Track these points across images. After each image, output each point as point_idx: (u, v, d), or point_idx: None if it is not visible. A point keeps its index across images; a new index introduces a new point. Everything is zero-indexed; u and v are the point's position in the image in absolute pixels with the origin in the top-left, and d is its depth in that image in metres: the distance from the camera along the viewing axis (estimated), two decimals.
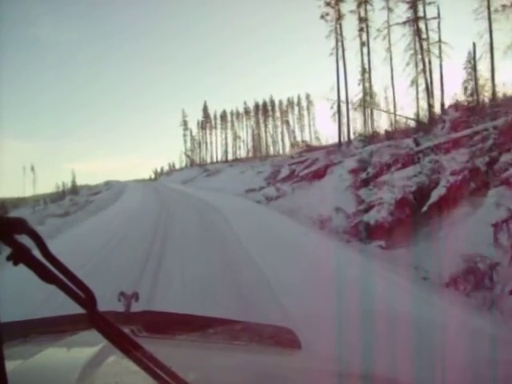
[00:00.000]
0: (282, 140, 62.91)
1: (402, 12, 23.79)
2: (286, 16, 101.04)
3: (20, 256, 0.65)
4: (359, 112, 27.98)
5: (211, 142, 67.71)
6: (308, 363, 1.37)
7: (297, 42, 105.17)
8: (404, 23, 23.47)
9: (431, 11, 22.81)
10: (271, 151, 61.08)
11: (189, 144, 68.58)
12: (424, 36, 22.72)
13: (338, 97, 25.37)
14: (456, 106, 14.45)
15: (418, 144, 11.76)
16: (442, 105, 20.19)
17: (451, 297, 5.51)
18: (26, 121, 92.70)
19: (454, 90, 30.12)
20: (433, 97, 21.69)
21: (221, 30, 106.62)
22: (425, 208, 8.49)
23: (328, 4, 25.46)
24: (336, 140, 26.30)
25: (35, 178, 59.00)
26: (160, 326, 1.46)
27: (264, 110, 64.08)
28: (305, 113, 63.19)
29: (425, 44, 22.66)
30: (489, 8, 20.22)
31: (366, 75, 25.82)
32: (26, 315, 1.51)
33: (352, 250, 8.40)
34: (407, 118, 20.40)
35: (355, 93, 26.56)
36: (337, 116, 25.82)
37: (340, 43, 25.55)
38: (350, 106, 25.98)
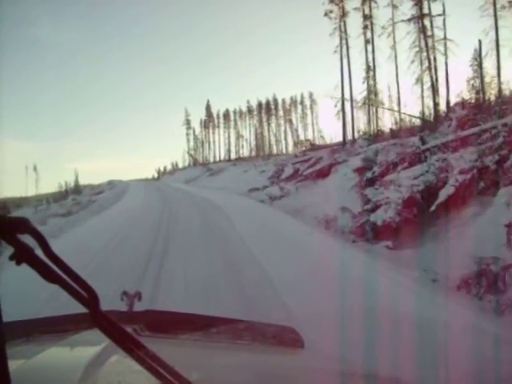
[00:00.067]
0: (285, 139, 62.84)
1: (407, 9, 23.63)
2: (288, 15, 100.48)
3: (23, 255, 0.65)
4: (363, 110, 27.76)
5: (214, 141, 67.64)
6: (311, 362, 1.38)
7: (299, 41, 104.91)
8: (409, 20, 23.26)
9: (436, 8, 22.61)
10: (274, 150, 60.90)
11: (192, 143, 68.49)
12: (429, 33, 22.48)
13: (342, 95, 25.25)
14: (463, 103, 14.23)
15: (424, 142, 11.56)
16: (448, 103, 19.98)
17: (463, 300, 5.35)
18: (30, 121, 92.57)
19: (459, 88, 29.88)
20: (438, 95, 21.48)
21: (223, 29, 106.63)
22: (433, 208, 8.32)
23: (332, 1, 25.36)
24: (340, 139, 26.17)
25: (38, 178, 58.93)
26: (163, 325, 1.47)
27: (267, 109, 63.87)
28: (308, 111, 63.02)
29: (430, 41, 22.43)
30: (495, 5, 20.02)
31: (371, 73, 25.62)
32: (29, 315, 1.51)
33: (358, 251, 8.25)
34: (412, 116, 20.21)
35: (359, 91, 26.49)
36: (341, 114, 25.69)
37: (344, 41, 25.49)
38: (354, 105, 25.84)
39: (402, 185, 9.41)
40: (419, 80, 22.88)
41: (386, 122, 26.40)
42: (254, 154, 60.23)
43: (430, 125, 16.44)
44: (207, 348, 1.37)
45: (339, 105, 25.83)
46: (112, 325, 0.78)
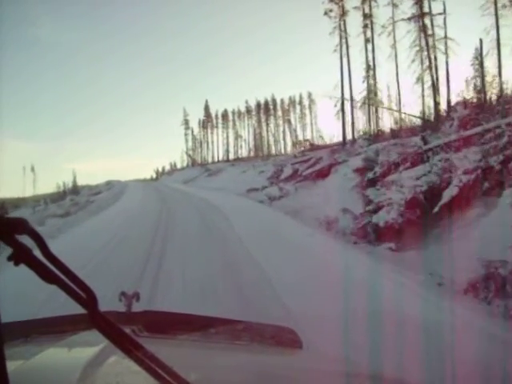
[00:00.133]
0: (284, 139, 62.66)
1: (407, 8, 23.47)
2: (287, 14, 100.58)
3: (21, 256, 0.65)
4: (363, 110, 27.60)
5: (213, 142, 67.50)
6: (309, 363, 1.37)
7: (298, 41, 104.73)
8: (409, 19, 23.08)
9: (437, 7, 22.48)
10: (273, 150, 60.80)
11: (190, 143, 68.35)
12: (430, 32, 22.34)
13: (342, 94, 25.06)
14: (464, 103, 14.08)
15: (426, 142, 11.41)
16: (449, 102, 19.80)
17: (470, 304, 5.19)
18: (28, 121, 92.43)
19: (460, 88, 29.72)
20: (439, 94, 21.32)
21: (222, 29, 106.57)
22: (436, 209, 8.15)
23: (332, 0, 25.17)
24: (339, 139, 26.01)
25: (35, 178, 58.75)
26: (161, 325, 1.46)
27: (266, 109, 63.75)
28: (307, 112, 62.94)
29: (430, 40, 22.26)
30: (495, 4, 19.89)
31: (371, 72, 25.45)
32: (27, 315, 1.51)
33: (360, 252, 8.10)
34: (413, 115, 20.03)
35: (359, 90, 26.34)
36: (340, 114, 25.51)
37: (344, 40, 25.30)
38: (354, 104, 25.67)
39: (404, 185, 9.25)
40: (419, 79, 22.77)
41: (386, 122, 26.25)
42: (252, 154, 60.12)
43: (430, 124, 16.29)
44: (206, 348, 1.36)
45: (339, 104, 25.67)
46: (110, 325, 0.77)
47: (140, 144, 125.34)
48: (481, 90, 16.66)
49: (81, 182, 48.59)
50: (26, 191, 55.42)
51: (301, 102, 63.28)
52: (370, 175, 11.48)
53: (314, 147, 26.41)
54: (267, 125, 63.83)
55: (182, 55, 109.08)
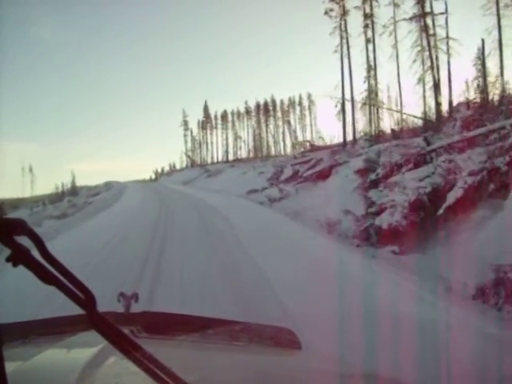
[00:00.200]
0: (284, 140, 62.55)
1: (409, 8, 23.31)
2: (286, 15, 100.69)
3: (19, 257, 0.65)
4: (363, 111, 27.42)
5: (212, 142, 67.42)
6: (308, 364, 1.36)
7: (298, 42, 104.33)
8: (411, 19, 22.90)
9: (438, 7, 22.29)
10: (272, 151, 60.69)
11: (189, 144, 68.30)
12: (431, 32, 22.17)
13: (343, 95, 24.89)
14: (467, 103, 13.92)
15: (428, 143, 11.23)
16: (450, 103, 19.66)
17: (480, 310, 5.01)
18: (28, 122, 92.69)
19: (461, 88, 29.53)
20: (440, 95, 21.14)
21: (221, 31, 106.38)
22: (440, 211, 7.96)
23: (332, 0, 24.98)
24: (339, 139, 25.84)
25: (33, 179, 58.69)
26: (160, 326, 1.46)
27: (265, 110, 63.63)
28: (306, 112, 62.84)
29: (432, 40, 22.09)
30: (497, 4, 19.75)
31: (372, 73, 25.28)
32: (26, 316, 1.49)
33: (363, 255, 7.92)
34: (414, 116, 19.86)
35: (360, 91, 26.16)
36: (341, 115, 25.33)
37: (345, 40, 25.11)
38: (354, 105, 25.47)
39: (407, 187, 9.06)
40: (421, 80, 22.61)
41: (387, 123, 26.06)
42: (252, 155, 60.00)
43: (432, 125, 16.12)
44: (204, 349, 1.36)
45: (339, 105, 25.51)
46: (109, 326, 0.77)
47: (139, 145, 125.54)
48: (483, 90, 16.51)
49: (80, 182, 48.65)
50: (25, 192, 55.43)
51: (300, 103, 63.28)
52: (372, 176, 11.29)
53: (314, 148, 26.24)
54: (267, 126, 63.77)
55: (180, 57, 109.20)
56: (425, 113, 20.67)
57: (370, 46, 25.45)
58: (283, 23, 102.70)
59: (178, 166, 69.32)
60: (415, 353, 3.42)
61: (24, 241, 0.66)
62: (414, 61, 23.18)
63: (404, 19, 23.56)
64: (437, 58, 22.10)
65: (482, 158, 8.43)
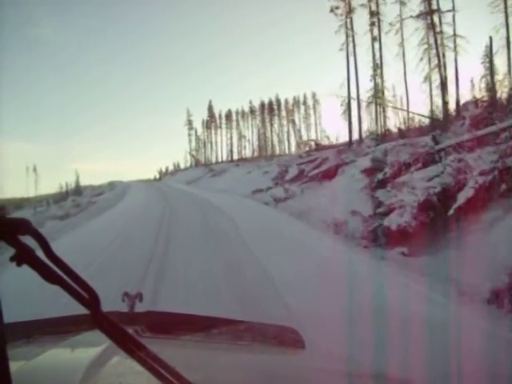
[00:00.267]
0: (288, 139, 62.38)
1: (415, 5, 23.08)
2: (291, 14, 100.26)
3: (24, 257, 0.65)
4: (369, 109, 27.22)
5: (216, 142, 67.35)
6: (312, 363, 1.36)
7: (302, 41, 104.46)
8: (417, 17, 22.67)
9: (445, 4, 22.03)
10: (277, 151, 60.52)
11: (194, 144, 68.26)
12: (438, 30, 21.92)
13: (349, 93, 24.67)
14: (476, 102, 13.70)
15: (437, 142, 11.02)
16: (458, 101, 19.43)
17: (495, 315, 4.80)
18: (32, 122, 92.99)
19: (468, 87, 29.26)
20: (447, 93, 20.88)
21: (225, 30, 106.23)
22: (451, 211, 7.75)
23: None
24: (344, 139, 25.66)
25: (37, 179, 58.88)
26: (164, 326, 1.47)
27: (270, 109, 63.50)
28: (311, 112, 62.63)
29: (439, 38, 21.83)
30: (505, 1, 19.48)
31: (378, 71, 25.04)
32: (30, 316, 1.50)
33: (372, 257, 7.74)
34: (421, 115, 19.62)
35: (366, 89, 25.94)
36: (347, 114, 25.12)
37: (350, 38, 24.89)
38: (360, 103, 25.25)
39: (416, 187, 8.86)
40: (427, 78, 22.38)
41: (394, 122, 25.78)
42: (256, 154, 59.82)
43: (439, 124, 15.90)
44: (208, 349, 1.37)
45: (345, 104, 25.29)
46: (113, 326, 0.77)
47: (143, 144, 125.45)
48: (491, 88, 16.28)
49: (85, 182, 48.77)
50: (29, 191, 55.59)
51: (305, 102, 63.09)
52: (380, 176, 11.09)
53: (319, 147, 25.99)
54: (271, 125, 63.64)
55: (185, 56, 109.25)
56: (432, 111, 20.43)
57: (376, 44, 25.28)
58: (288, 22, 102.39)
59: (182, 166, 69.43)
60: (425, 357, 3.25)
61: (28, 241, 0.66)
62: (421, 59, 23.03)
63: (411, 17, 23.40)
64: (444, 55, 21.87)
65: (493, 158, 8.23)
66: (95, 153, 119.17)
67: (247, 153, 63.34)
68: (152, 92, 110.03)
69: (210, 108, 66.98)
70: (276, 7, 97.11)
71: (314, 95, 61.30)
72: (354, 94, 25.04)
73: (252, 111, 64.82)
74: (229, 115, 66.47)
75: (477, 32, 24.46)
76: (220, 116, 67.05)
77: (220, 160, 63.46)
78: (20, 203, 36.61)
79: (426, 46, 22.80)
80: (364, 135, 23.47)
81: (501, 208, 7.43)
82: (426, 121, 18.71)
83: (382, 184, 10.66)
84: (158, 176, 68.91)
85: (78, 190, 42.49)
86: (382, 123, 24.96)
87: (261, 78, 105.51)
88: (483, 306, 5.11)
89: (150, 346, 0.80)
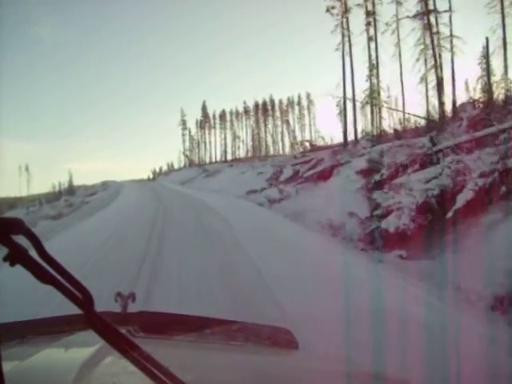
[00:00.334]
0: (282, 140, 62.24)
1: (412, 5, 23.06)
2: (285, 14, 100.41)
3: (17, 256, 0.65)
4: (364, 110, 27.13)
5: (210, 142, 67.10)
6: (305, 363, 1.36)
7: (296, 41, 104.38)
8: (414, 17, 22.60)
9: (442, 4, 21.98)
10: (271, 151, 60.37)
11: (187, 144, 67.97)
12: (435, 30, 21.83)
13: (344, 94, 24.55)
14: (473, 102, 13.59)
15: (434, 143, 10.88)
16: (454, 102, 19.36)
17: (501, 322, 4.64)
18: (25, 121, 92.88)
19: (465, 87, 29.20)
20: (444, 94, 20.80)
21: (220, 30, 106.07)
22: (450, 214, 7.61)
23: None
24: (339, 139, 25.54)
25: (30, 178, 58.59)
26: (157, 326, 1.47)
27: (264, 110, 63.34)
28: (305, 112, 62.51)
29: (436, 39, 21.75)
30: (502, 2, 19.45)
31: (374, 71, 24.92)
32: (23, 316, 1.47)
33: (369, 260, 7.58)
34: (417, 116, 19.50)
35: (362, 90, 25.80)
36: (342, 114, 25.03)
37: (346, 38, 24.78)
38: (356, 104, 25.14)
39: (413, 189, 8.73)
40: (423, 79, 22.29)
41: (389, 123, 25.68)
42: (250, 154, 59.66)
43: (436, 125, 15.79)
44: (202, 349, 1.37)
45: (341, 104, 25.18)
46: (106, 326, 0.77)
47: (137, 144, 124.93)
48: (488, 89, 16.19)
49: (78, 182, 48.56)
50: (22, 191, 55.33)
51: (299, 103, 62.97)
52: (377, 177, 10.94)
53: (314, 148, 25.88)
54: (265, 125, 63.47)
55: (179, 56, 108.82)
56: (428, 112, 20.35)
57: (372, 45, 25.17)
58: (283, 22, 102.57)
59: (176, 166, 69.11)
60: (424, 363, 3.18)
61: (21, 240, 0.66)
62: (417, 59, 22.96)
63: (407, 17, 23.34)
64: (440, 56, 21.83)
65: (493, 159, 8.11)
66: (88, 153, 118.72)
67: (241, 153, 63.26)
68: (146, 92, 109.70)
69: (204, 108, 66.79)
70: (271, 7, 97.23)
71: (308, 95, 61.31)
72: (349, 95, 25.01)
73: (246, 111, 64.66)
74: (223, 115, 66.30)
75: (473, 33, 24.51)
76: (214, 116, 66.91)
77: (214, 160, 63.28)
78: (13, 202, 36.41)
79: (422, 47, 22.79)
80: (359, 136, 23.36)
81: (501, 211, 7.31)
82: (422, 122, 18.63)
83: (378, 185, 10.53)
84: (151, 176, 68.67)
85: (71, 190, 42.30)
86: (378, 124, 24.88)
87: (255, 78, 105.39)
88: (486, 312, 4.96)
89: (143, 346, 0.79)
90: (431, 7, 22.01)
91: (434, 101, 21.42)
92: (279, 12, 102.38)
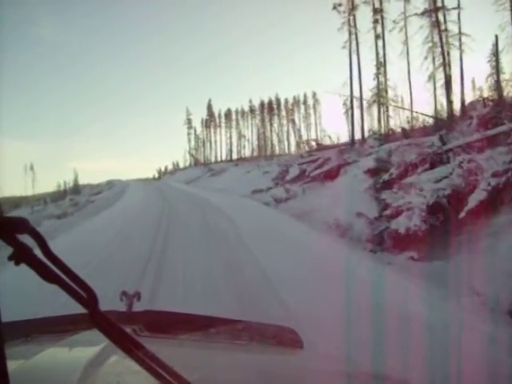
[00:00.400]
0: (288, 139, 62.06)
1: (420, 2, 22.85)
2: (291, 13, 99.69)
3: (22, 256, 0.65)
4: (371, 109, 26.93)
5: (216, 141, 67.01)
6: (310, 363, 1.36)
7: (302, 40, 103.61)
8: (422, 14, 22.40)
9: (451, 1, 21.78)
10: (276, 150, 60.24)
11: (193, 143, 67.86)
12: (443, 28, 21.59)
13: (351, 92, 24.41)
14: (484, 101, 13.37)
15: (444, 142, 10.68)
16: (463, 101, 19.12)
17: None
18: (30, 120, 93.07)
19: (473, 86, 28.94)
20: (452, 92, 20.57)
21: (225, 29, 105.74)
22: (462, 214, 7.41)
23: None
24: (345, 139, 25.40)
25: (35, 178, 58.72)
26: (162, 325, 1.45)
27: (269, 109, 63.18)
28: (311, 111, 62.29)
29: (444, 36, 21.50)
30: None
31: (382, 69, 24.69)
32: (28, 315, 1.48)
33: (378, 262, 7.40)
34: (425, 114, 19.27)
35: (369, 88, 25.61)
36: (349, 113, 24.88)
37: (353, 36, 24.61)
38: (364, 102, 24.95)
39: (424, 188, 8.53)
40: (432, 77, 22.06)
41: (396, 121, 25.47)
42: (255, 154, 59.57)
43: (444, 124, 15.58)
44: (206, 348, 1.36)
45: (348, 103, 25.01)
46: (111, 325, 0.76)
47: (142, 143, 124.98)
48: (498, 87, 15.98)
49: (84, 181, 48.67)
50: (27, 190, 55.48)
51: (305, 102, 62.73)
52: (386, 177, 10.75)
53: (321, 147, 25.70)
54: (271, 124, 63.32)
55: (184, 55, 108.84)
56: (436, 111, 20.10)
57: (380, 42, 24.97)
58: (289, 20, 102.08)
59: (181, 165, 69.03)
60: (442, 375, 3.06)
61: (26, 239, 0.66)
62: (425, 57, 22.74)
63: (415, 14, 23.11)
64: (448, 54, 21.59)
65: (506, 158, 7.91)
66: (94, 152, 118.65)
67: (246, 152, 63.14)
68: (151, 91, 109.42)
69: (210, 107, 66.73)
70: (277, 5, 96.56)
71: (314, 94, 61.07)
72: (356, 93, 24.80)
73: (252, 110, 64.53)
74: (228, 114, 66.21)
75: (482, 30, 24.25)
76: (219, 115, 66.81)
77: (219, 159, 63.22)
78: (18, 202, 36.49)
79: (430, 45, 22.54)
80: (366, 135, 23.16)
81: None
82: (430, 120, 18.40)
83: (387, 185, 10.33)
84: (157, 175, 68.77)
85: (77, 189, 42.36)
86: (385, 123, 24.66)
87: (261, 76, 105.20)
88: (504, 317, 4.77)
89: (148, 346, 0.79)
90: (439, 4, 21.83)
91: (442, 99, 21.27)
92: (285, 10, 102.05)
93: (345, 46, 24.86)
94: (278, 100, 63.18)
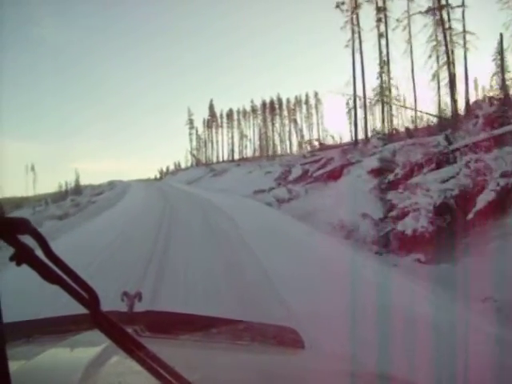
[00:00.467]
0: (290, 139, 61.94)
1: (424, 1, 22.67)
2: (292, 12, 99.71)
3: (23, 256, 0.66)
4: (374, 108, 26.76)
5: (217, 141, 66.93)
6: (311, 363, 1.36)
7: (304, 40, 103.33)
8: (426, 12, 22.23)
9: None
10: (278, 150, 60.15)
11: (194, 143, 67.76)
12: (447, 26, 21.44)
13: (354, 91, 24.29)
14: (490, 100, 13.20)
15: (450, 141, 10.51)
16: (467, 100, 18.96)
17: None
18: (31, 121, 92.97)
19: (478, 84, 28.69)
20: (456, 91, 20.40)
21: (227, 29, 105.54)
22: (470, 215, 7.25)
23: None
24: (347, 138, 25.24)
25: (36, 178, 58.81)
26: (163, 325, 1.47)
27: (271, 109, 63.09)
28: (313, 111, 62.18)
29: (448, 34, 21.35)
30: None
31: (385, 68, 24.55)
32: (30, 315, 1.49)
33: (384, 264, 7.24)
34: (429, 114, 19.11)
35: (372, 87, 25.47)
36: (352, 112, 24.71)
37: (357, 34, 24.49)
38: (367, 102, 24.79)
39: (430, 189, 8.36)
40: (436, 76, 21.89)
41: (399, 121, 25.30)
42: (257, 154, 59.50)
43: (449, 123, 15.41)
44: (208, 348, 1.36)
45: (351, 102, 24.85)
46: (112, 325, 0.77)
47: (144, 143, 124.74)
48: (503, 86, 15.81)
49: (85, 181, 48.60)
50: (28, 191, 55.51)
51: (307, 102, 62.65)
52: (391, 177, 10.58)
53: (323, 147, 25.55)
54: (273, 124, 63.21)
55: (186, 55, 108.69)
56: (440, 110, 19.92)
57: (383, 41, 24.81)
58: (290, 19, 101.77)
59: (183, 165, 68.88)
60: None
61: (28, 240, 0.65)
62: (429, 56, 22.58)
63: (419, 12, 22.91)
64: (453, 52, 21.44)
65: None
66: (95, 152, 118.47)
67: (248, 152, 63.10)
68: (153, 91, 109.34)
69: (211, 107, 66.62)
70: (279, 4, 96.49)
71: (316, 94, 60.98)
72: (359, 93, 24.64)
73: (253, 110, 64.45)
74: (230, 114, 66.13)
75: (487, 29, 23.96)
76: (221, 115, 66.73)
77: (221, 159, 63.18)
78: (19, 202, 36.46)
79: (434, 43, 22.39)
80: (369, 134, 22.98)
81: None
82: (435, 120, 18.23)
83: (392, 185, 10.17)
84: (158, 175, 68.59)
85: (78, 190, 42.31)
86: (389, 122, 24.48)
87: (263, 76, 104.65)
88: None
89: (149, 346, 0.79)
90: (443, 2, 21.68)
91: (447, 98, 21.07)
92: (287, 9, 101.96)
93: (348, 45, 24.78)
94: (279, 100, 63.16)
